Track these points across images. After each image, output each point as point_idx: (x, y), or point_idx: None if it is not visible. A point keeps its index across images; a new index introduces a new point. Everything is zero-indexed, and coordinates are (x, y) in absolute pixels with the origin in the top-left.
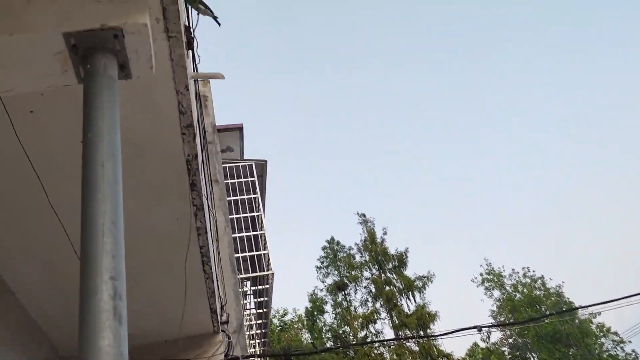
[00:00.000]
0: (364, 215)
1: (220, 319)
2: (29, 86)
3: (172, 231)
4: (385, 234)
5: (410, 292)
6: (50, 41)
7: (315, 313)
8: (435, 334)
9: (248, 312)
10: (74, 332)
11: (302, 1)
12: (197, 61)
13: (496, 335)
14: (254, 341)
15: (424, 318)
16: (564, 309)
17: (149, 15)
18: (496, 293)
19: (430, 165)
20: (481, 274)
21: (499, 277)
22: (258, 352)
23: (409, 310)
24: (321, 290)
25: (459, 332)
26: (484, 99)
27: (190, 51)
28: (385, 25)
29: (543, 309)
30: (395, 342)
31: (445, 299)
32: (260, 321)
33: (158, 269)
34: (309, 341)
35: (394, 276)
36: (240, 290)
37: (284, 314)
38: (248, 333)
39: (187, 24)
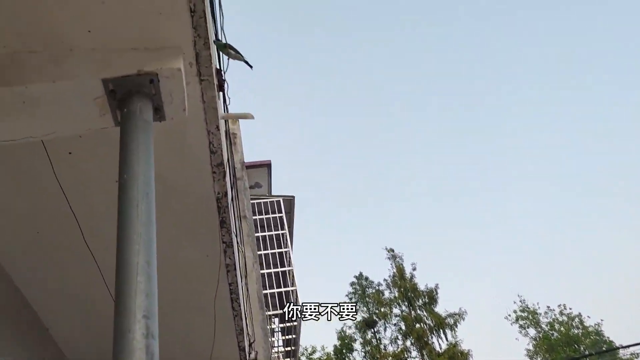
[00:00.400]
0: (393, 250)
1: (249, 356)
2: (69, 129)
3: (202, 268)
4: (414, 269)
5: (441, 330)
6: (90, 87)
7: (344, 351)
8: None
9: (276, 349)
10: None
11: (318, 27)
12: (227, 102)
13: None
14: None
15: (456, 357)
16: (604, 349)
17: (183, 60)
18: (531, 331)
19: (457, 195)
20: (515, 311)
21: (534, 315)
22: None
23: (441, 348)
24: (350, 327)
25: None
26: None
27: (221, 92)
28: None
29: (582, 348)
30: None
31: (478, 337)
32: (288, 359)
33: (188, 306)
34: None
35: (425, 313)
36: (268, 327)
37: (313, 352)
38: None
39: (219, 67)
